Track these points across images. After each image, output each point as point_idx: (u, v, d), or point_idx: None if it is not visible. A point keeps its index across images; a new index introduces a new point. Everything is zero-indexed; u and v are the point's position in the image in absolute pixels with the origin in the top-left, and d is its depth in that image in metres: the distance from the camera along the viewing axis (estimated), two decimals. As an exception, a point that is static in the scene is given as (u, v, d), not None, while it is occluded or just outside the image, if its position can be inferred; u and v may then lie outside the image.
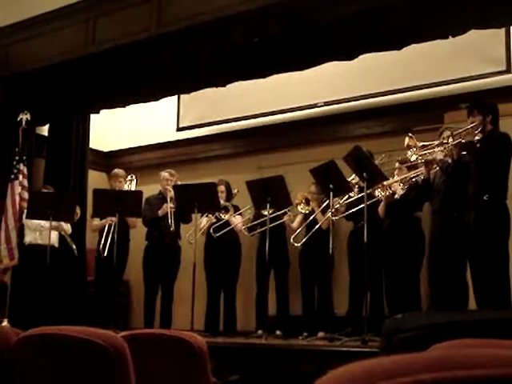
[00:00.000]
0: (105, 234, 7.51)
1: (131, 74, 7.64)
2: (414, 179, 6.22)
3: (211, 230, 7.49)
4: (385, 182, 6.28)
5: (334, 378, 0.72)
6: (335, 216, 6.78)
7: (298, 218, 7.35)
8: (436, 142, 5.74)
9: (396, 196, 6.39)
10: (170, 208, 7.42)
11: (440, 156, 5.71)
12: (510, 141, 5.25)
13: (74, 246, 7.42)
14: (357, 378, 0.69)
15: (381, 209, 6.51)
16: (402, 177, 6.31)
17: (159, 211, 7.56)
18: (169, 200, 7.46)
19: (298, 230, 7.27)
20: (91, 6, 7.27)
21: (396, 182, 6.37)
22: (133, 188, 7.89)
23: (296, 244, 7.12)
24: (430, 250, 5.87)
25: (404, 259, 6.25)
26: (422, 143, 5.77)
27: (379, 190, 6.34)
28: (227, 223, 7.52)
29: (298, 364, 5.19)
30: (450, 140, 5.46)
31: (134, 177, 8.05)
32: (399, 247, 6.31)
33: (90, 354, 2.16)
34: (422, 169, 6.02)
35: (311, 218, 7.13)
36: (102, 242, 7.48)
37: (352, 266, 6.90)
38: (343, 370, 0.72)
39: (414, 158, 5.83)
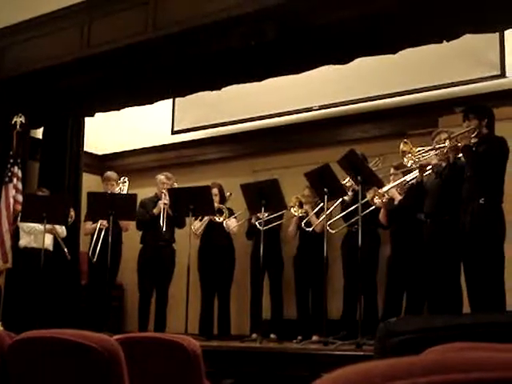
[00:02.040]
0: (95, 238, 7.49)
1: (126, 77, 7.64)
2: (410, 183, 6.20)
3: (225, 225, 7.44)
4: (380, 190, 6.26)
5: (329, 382, 0.71)
6: (332, 229, 6.77)
7: (292, 223, 7.34)
8: (431, 147, 5.75)
9: (395, 202, 6.37)
10: (164, 205, 7.40)
11: (435, 160, 5.72)
12: (505, 144, 5.26)
13: (66, 250, 7.38)
14: (352, 381, 0.69)
15: (382, 217, 6.49)
16: (398, 182, 6.30)
17: (154, 209, 7.54)
18: (163, 199, 7.44)
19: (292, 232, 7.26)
20: (87, 9, 7.26)
21: (393, 187, 6.35)
22: (125, 191, 7.87)
23: (308, 229, 7.04)
24: (422, 253, 5.86)
25: (413, 263, 6.21)
26: (418, 148, 5.77)
27: (376, 197, 6.32)
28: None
29: (292, 368, 5.18)
30: (447, 142, 5.47)
31: (126, 179, 8.03)
32: (408, 252, 6.29)
33: (84, 357, 2.16)
34: (417, 172, 6.02)
35: (304, 221, 7.11)
36: (92, 246, 7.46)
37: (346, 270, 6.90)
38: (338, 374, 0.72)
39: (410, 163, 5.83)
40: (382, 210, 6.46)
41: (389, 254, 6.61)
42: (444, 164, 5.66)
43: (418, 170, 5.97)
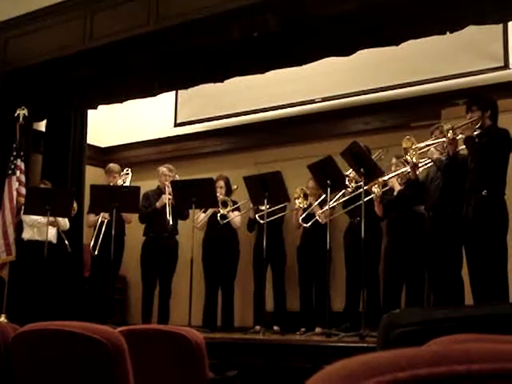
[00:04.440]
0: (96, 231, 7.49)
1: (129, 70, 7.63)
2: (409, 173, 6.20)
3: (218, 218, 7.42)
4: (380, 179, 6.26)
5: (331, 373, 0.72)
6: (332, 215, 6.76)
7: (296, 214, 7.33)
8: (432, 141, 5.74)
9: (394, 193, 6.38)
10: (169, 200, 7.39)
11: (436, 155, 5.71)
12: (508, 136, 5.25)
13: (67, 242, 7.37)
14: (354, 372, 0.69)
15: (377, 209, 6.49)
16: (399, 172, 6.30)
17: (157, 203, 7.54)
18: (167, 193, 7.44)
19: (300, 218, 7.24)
20: (89, 1, 7.25)
21: (393, 177, 6.35)
22: (127, 183, 7.87)
23: (305, 225, 7.06)
24: (424, 246, 5.86)
25: (411, 255, 6.23)
26: (420, 144, 5.76)
27: (376, 186, 6.33)
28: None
29: (295, 359, 5.19)
30: (450, 133, 5.46)
31: (129, 171, 8.02)
32: (406, 243, 6.30)
33: (87, 349, 2.16)
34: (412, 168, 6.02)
35: (307, 212, 7.11)
36: (93, 239, 7.47)
37: (348, 262, 6.90)
38: (340, 365, 0.72)
39: (414, 159, 5.83)
40: (376, 203, 6.46)
41: (385, 245, 6.63)
42: (445, 157, 5.66)
43: (410, 169, 5.97)
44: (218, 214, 7.39)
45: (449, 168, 5.55)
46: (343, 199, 6.87)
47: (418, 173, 6.00)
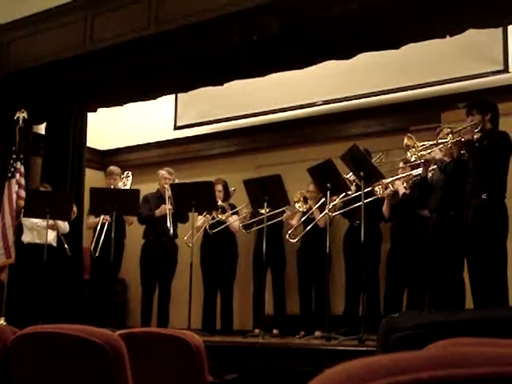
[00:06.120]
0: (97, 233, 7.49)
1: (129, 73, 7.63)
2: (416, 177, 6.20)
3: (207, 227, 7.45)
4: (384, 180, 6.27)
5: (332, 376, 0.71)
6: (332, 212, 6.77)
7: (297, 217, 7.33)
8: (435, 141, 5.74)
9: (399, 196, 6.38)
10: (169, 210, 7.39)
11: (439, 155, 5.70)
12: (508, 139, 5.24)
13: (67, 246, 7.36)
14: (355, 375, 0.69)
15: (385, 209, 6.50)
16: (403, 175, 6.31)
17: (157, 211, 7.53)
18: (167, 201, 7.43)
19: (294, 227, 7.25)
20: (89, 4, 7.26)
21: (397, 179, 6.36)
22: (128, 185, 7.87)
23: (292, 240, 7.09)
24: (426, 248, 5.86)
25: (414, 258, 6.24)
26: (421, 143, 5.76)
27: (379, 187, 6.34)
28: (223, 221, 7.50)
29: (294, 363, 5.18)
30: (450, 137, 5.46)
31: (130, 174, 8.02)
32: (408, 247, 6.31)
33: (86, 352, 2.16)
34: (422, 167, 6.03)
35: (307, 215, 7.11)
36: (94, 241, 7.46)
37: (348, 265, 6.89)
38: (341, 368, 0.72)
39: (413, 158, 5.83)
40: (386, 202, 6.47)
41: (389, 249, 6.63)
42: (448, 159, 5.65)
43: (422, 165, 5.97)
44: (208, 225, 7.41)
45: (454, 170, 5.54)
46: (343, 199, 6.87)
47: (428, 173, 6.00)
